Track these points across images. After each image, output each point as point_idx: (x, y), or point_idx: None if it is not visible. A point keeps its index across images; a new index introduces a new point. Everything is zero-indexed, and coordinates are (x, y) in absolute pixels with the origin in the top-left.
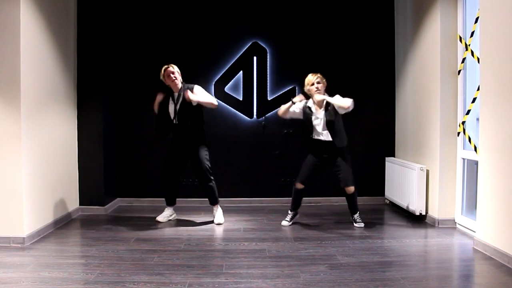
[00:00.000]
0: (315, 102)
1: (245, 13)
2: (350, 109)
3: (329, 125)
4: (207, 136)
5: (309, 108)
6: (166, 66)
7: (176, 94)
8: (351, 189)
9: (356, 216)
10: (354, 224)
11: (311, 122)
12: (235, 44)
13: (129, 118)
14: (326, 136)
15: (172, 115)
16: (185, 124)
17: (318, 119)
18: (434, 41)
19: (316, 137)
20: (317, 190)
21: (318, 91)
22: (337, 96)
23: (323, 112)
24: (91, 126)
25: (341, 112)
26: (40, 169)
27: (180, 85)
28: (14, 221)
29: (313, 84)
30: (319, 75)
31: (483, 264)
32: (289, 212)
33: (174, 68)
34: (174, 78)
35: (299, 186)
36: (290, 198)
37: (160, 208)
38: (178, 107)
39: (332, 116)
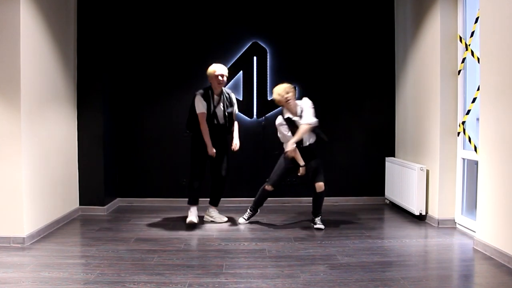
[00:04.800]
0: (289, 110)
1: (245, 13)
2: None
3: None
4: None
5: (289, 118)
6: (217, 66)
7: (216, 97)
8: (321, 184)
9: (317, 219)
10: (315, 226)
11: (297, 127)
12: (235, 44)
13: (129, 118)
14: (308, 140)
15: (218, 116)
16: (224, 125)
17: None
18: (434, 41)
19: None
20: None
21: (289, 100)
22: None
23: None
24: (91, 126)
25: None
26: (40, 169)
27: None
28: (14, 221)
29: (287, 93)
30: (286, 87)
31: (483, 264)
32: (249, 211)
33: (224, 70)
34: (221, 81)
35: (270, 188)
36: (291, 198)
37: (160, 208)
38: (217, 109)
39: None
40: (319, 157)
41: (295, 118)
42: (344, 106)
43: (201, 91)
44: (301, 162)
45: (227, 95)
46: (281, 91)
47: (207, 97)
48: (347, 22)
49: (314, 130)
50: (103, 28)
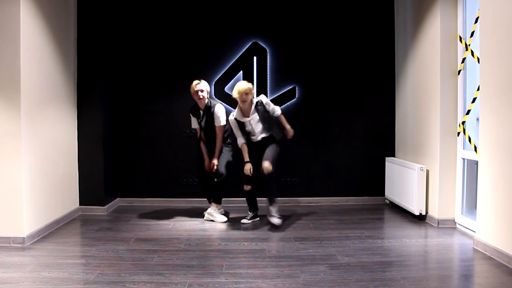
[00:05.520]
0: (242, 110)
1: (245, 13)
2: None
3: (263, 123)
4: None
5: (237, 119)
6: (197, 82)
7: (201, 112)
8: (266, 164)
9: (274, 209)
10: (270, 220)
11: (244, 129)
12: (235, 44)
13: (129, 118)
14: (261, 134)
15: (198, 129)
16: (209, 138)
17: (251, 122)
18: (434, 41)
19: (251, 138)
20: (317, 190)
21: (245, 102)
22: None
23: (255, 114)
24: (91, 126)
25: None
26: (40, 169)
27: (206, 102)
28: (14, 221)
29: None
30: (246, 89)
31: (483, 264)
32: (249, 212)
33: (203, 86)
34: (201, 97)
35: (245, 188)
36: (291, 198)
37: (160, 208)
38: (203, 123)
39: (261, 114)
40: (278, 146)
41: (243, 120)
42: (344, 106)
43: (192, 106)
44: (245, 159)
45: (212, 110)
46: (242, 90)
47: (195, 113)
48: (347, 22)
49: (270, 127)
50: (103, 28)
